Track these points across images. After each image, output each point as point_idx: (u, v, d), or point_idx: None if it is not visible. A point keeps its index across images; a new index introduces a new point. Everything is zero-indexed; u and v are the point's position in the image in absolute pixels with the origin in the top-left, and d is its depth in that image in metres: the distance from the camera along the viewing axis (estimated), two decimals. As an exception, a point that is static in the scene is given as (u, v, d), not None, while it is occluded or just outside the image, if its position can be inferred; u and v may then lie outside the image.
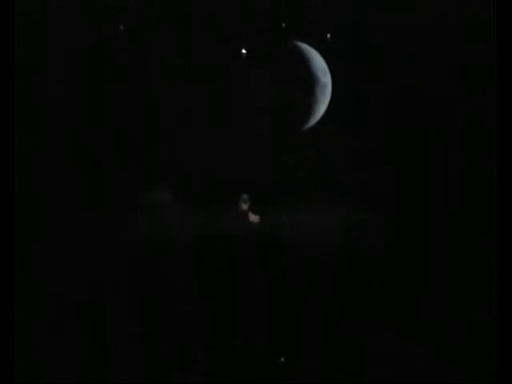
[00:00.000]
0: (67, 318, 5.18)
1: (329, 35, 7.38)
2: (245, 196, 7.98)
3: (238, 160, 8.54)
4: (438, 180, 7.28)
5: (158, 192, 8.27)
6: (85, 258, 6.18)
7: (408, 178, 7.65)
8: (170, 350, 5.09)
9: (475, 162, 7.05)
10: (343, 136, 7.84)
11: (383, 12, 7.41)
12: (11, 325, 4.14)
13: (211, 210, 7.92)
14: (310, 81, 7.02)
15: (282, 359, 5.05)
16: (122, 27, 7.42)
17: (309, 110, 7.26)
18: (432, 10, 7.16)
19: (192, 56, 7.74)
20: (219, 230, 7.62)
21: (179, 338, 5.10)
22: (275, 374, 4.70)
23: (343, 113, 7.66)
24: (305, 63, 7.14)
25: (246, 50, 7.30)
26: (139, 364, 4.74)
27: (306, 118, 7.38)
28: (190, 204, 8.13)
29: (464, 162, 7.24)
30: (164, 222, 7.71)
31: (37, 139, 6.40)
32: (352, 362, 4.75)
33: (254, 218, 8.03)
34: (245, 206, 7.78)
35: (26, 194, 5.87)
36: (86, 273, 6.02)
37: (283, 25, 7.33)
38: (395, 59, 7.77)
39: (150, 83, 7.53)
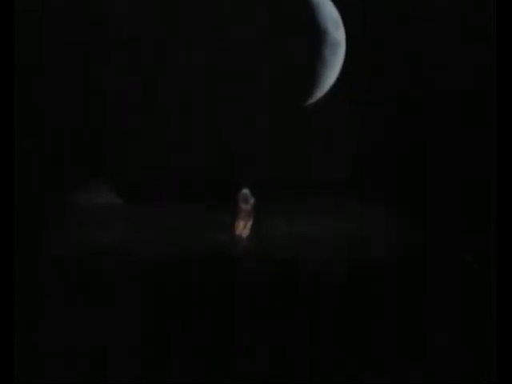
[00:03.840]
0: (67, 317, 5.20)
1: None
2: (245, 192, 6.99)
3: (220, 151, 7.82)
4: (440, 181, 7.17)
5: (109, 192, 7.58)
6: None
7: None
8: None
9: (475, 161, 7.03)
10: (360, 112, 6.51)
11: None
12: (11, 325, 4.14)
13: (185, 216, 7.28)
14: (316, 36, 5.31)
15: None
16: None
17: (314, 76, 5.51)
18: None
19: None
20: (193, 246, 6.98)
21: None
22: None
23: (361, 80, 6.09)
24: (310, 12, 5.33)
25: None
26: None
27: (310, 88, 5.65)
28: (156, 206, 7.34)
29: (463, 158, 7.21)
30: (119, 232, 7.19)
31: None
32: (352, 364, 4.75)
33: (242, 229, 6.98)
34: (245, 206, 6.87)
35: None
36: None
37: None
38: (424, 10, 6.69)
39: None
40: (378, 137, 7.45)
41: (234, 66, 6.23)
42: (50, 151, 7.51)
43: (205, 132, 7.34)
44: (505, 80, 4.69)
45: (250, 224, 6.84)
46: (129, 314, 5.21)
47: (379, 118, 7.23)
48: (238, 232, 6.82)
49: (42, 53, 6.98)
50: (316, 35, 5.29)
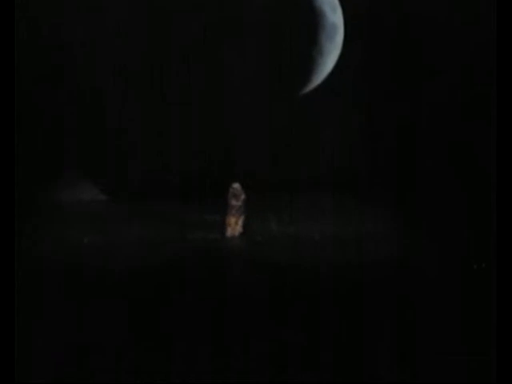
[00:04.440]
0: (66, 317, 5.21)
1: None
2: (236, 186, 6.70)
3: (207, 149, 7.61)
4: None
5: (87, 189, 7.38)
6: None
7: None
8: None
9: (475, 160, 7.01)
10: (360, 103, 6.24)
11: None
12: (11, 324, 4.14)
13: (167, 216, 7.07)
14: (312, 21, 4.94)
15: None
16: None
17: (311, 64, 5.21)
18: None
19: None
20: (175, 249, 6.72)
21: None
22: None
23: (361, 68, 5.87)
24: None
25: None
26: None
27: (306, 76, 5.39)
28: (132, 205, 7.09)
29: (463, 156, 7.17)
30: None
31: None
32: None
33: (234, 226, 6.66)
34: (235, 202, 6.61)
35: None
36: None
37: None
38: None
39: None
40: (377, 135, 7.39)
41: (228, 56, 6.05)
42: (37, 148, 7.50)
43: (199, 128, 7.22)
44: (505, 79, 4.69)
45: (241, 221, 6.66)
46: (117, 314, 5.21)
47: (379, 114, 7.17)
48: (229, 229, 6.66)
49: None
50: (313, 19, 4.86)
